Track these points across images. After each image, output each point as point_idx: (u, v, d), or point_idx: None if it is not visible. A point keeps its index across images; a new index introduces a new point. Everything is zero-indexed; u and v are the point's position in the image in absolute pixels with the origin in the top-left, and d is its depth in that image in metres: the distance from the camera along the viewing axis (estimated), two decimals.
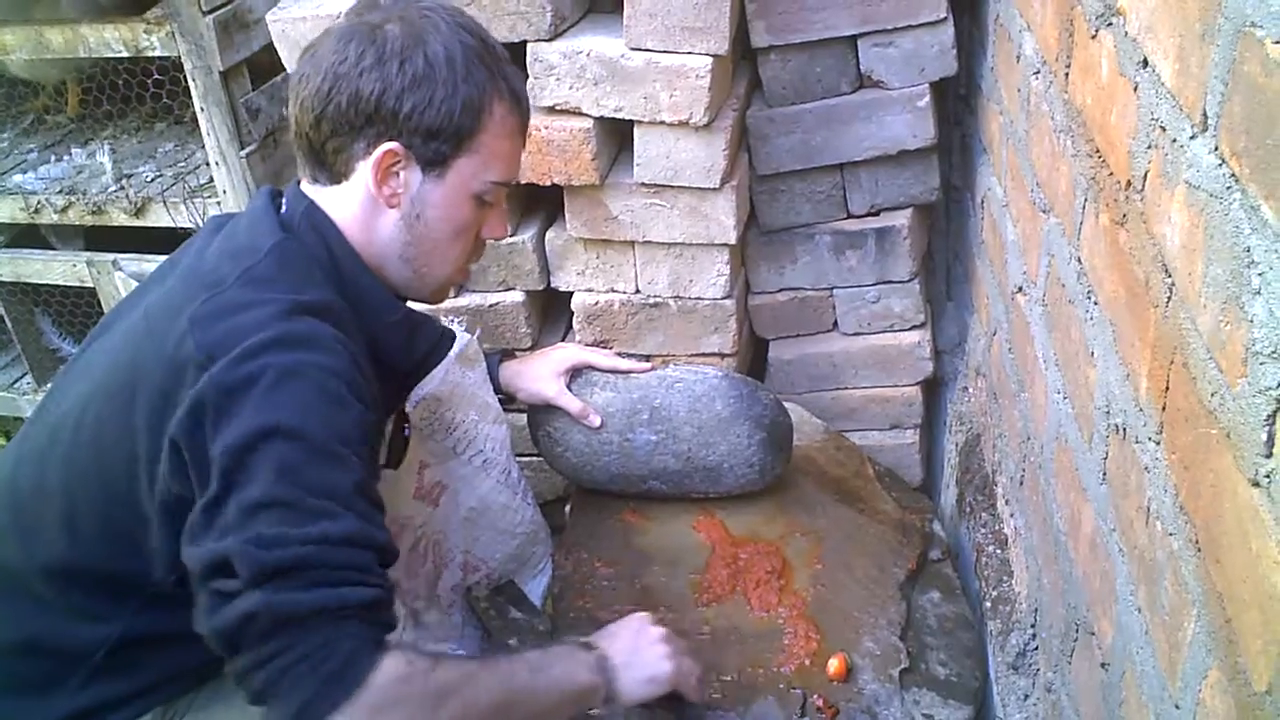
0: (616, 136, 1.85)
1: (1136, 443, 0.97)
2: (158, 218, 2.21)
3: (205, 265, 1.21)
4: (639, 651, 1.29)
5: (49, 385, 2.31)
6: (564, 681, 1.21)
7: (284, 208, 1.27)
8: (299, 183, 1.30)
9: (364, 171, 1.23)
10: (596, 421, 1.64)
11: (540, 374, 1.67)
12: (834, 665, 1.45)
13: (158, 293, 1.24)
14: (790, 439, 1.71)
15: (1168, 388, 0.88)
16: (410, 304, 1.38)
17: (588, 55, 1.69)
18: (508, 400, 1.70)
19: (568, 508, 1.86)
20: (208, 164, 2.18)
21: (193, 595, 1.06)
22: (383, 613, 1.07)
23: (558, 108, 1.74)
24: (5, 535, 1.23)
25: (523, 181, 1.80)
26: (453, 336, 1.38)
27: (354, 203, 1.25)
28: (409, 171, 1.23)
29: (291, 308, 1.13)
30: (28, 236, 2.44)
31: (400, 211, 1.25)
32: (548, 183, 1.80)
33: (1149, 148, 0.92)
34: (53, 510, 1.19)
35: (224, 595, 1.01)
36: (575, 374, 1.67)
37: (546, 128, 1.75)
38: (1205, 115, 0.78)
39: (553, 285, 1.96)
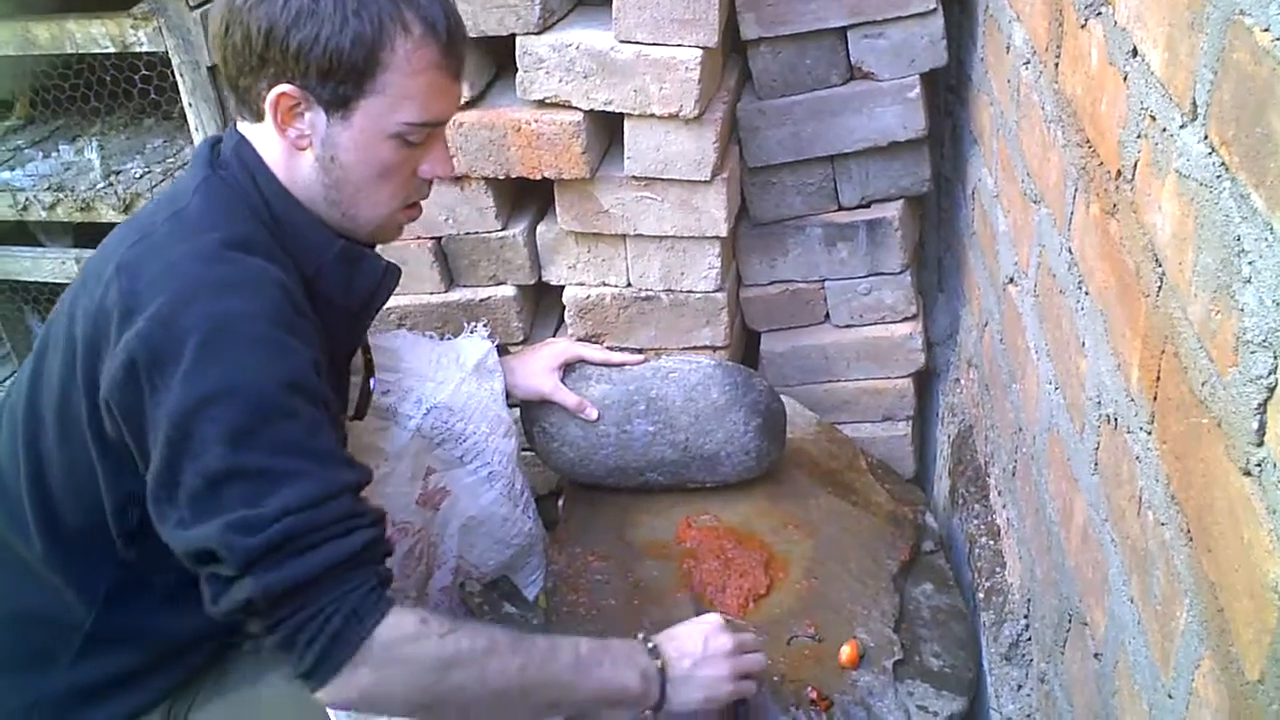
0: (606, 129, 1.84)
1: (1128, 432, 0.97)
2: None
3: (142, 213, 1.20)
4: (701, 666, 1.22)
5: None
6: (610, 682, 1.15)
7: (223, 146, 1.22)
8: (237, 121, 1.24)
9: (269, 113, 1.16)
10: (594, 415, 1.63)
11: (534, 370, 1.65)
12: (846, 652, 1.45)
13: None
14: (784, 425, 1.71)
15: (1159, 377, 0.88)
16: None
17: (577, 48, 1.68)
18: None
19: (560, 502, 1.85)
20: None
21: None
22: (377, 549, 1.07)
23: (547, 101, 1.73)
24: None
25: (513, 175, 1.80)
26: (398, 273, 1.30)
27: (274, 142, 1.19)
28: (312, 113, 1.15)
29: (217, 246, 1.10)
30: (16, 234, 2.42)
31: (313, 154, 1.18)
32: (538, 176, 1.80)
33: (1139, 137, 0.92)
34: (24, 469, 1.19)
35: (220, 579, 1.02)
36: (568, 368, 1.66)
37: (536, 121, 1.75)
38: (1195, 104, 0.78)
39: (544, 279, 1.95)
